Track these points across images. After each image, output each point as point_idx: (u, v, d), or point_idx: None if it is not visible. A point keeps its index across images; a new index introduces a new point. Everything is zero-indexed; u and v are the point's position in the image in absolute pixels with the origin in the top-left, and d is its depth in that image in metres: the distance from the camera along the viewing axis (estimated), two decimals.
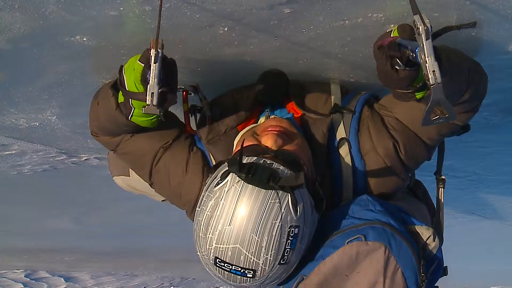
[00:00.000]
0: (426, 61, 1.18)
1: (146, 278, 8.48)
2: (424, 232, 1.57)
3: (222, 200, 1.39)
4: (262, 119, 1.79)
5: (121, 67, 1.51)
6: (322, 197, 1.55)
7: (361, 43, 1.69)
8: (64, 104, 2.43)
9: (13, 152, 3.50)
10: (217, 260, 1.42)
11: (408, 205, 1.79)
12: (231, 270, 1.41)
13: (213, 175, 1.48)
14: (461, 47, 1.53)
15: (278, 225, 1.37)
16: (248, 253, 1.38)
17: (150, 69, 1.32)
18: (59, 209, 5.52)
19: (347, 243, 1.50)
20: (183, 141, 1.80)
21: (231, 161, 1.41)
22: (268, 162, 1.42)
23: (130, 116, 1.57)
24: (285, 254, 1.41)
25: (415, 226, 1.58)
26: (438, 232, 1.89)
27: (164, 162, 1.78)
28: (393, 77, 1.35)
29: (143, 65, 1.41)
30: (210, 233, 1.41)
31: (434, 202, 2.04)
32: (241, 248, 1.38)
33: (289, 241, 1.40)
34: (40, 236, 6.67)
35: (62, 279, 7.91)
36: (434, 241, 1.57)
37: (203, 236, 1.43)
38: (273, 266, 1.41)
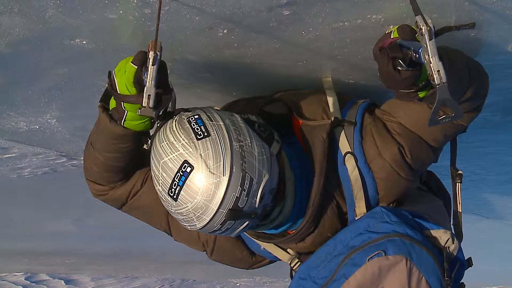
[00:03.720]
0: (431, 61, 1.19)
1: (147, 280, 8.47)
2: (442, 235, 1.58)
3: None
4: None
5: (110, 72, 1.50)
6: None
7: (361, 45, 1.69)
8: (64, 107, 2.43)
9: (13, 155, 3.50)
10: (169, 192, 1.43)
11: (423, 205, 1.79)
12: (178, 184, 1.41)
13: None
14: (461, 48, 1.54)
15: (174, 123, 1.46)
16: (169, 156, 1.41)
17: (148, 71, 1.33)
18: (59, 212, 5.51)
19: (368, 260, 1.51)
20: None
21: None
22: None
23: (123, 120, 1.54)
24: (197, 131, 1.41)
25: (432, 231, 1.59)
26: (456, 229, 1.88)
27: None
28: (396, 78, 1.35)
29: (136, 67, 1.40)
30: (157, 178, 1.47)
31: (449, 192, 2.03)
32: (164, 159, 1.42)
33: (193, 122, 1.44)
34: (40, 239, 6.66)
35: (62, 281, 7.89)
36: (453, 243, 1.57)
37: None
38: (195, 145, 1.39)
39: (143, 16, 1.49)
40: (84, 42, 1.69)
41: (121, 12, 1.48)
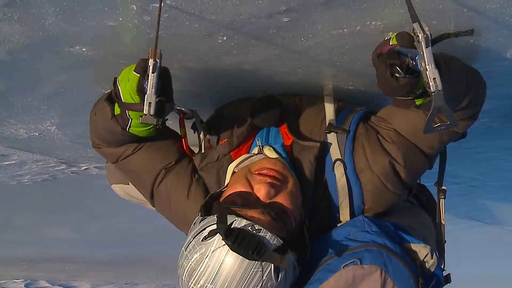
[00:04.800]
0: (427, 68, 1.18)
1: (147, 287, 8.46)
2: (422, 250, 1.58)
3: (207, 258, 1.40)
4: (255, 149, 1.74)
5: (115, 79, 1.51)
6: (307, 242, 1.54)
7: (360, 51, 1.69)
8: (64, 114, 2.43)
9: (13, 162, 3.50)
10: None
11: (408, 219, 1.79)
12: None
13: (201, 225, 1.47)
14: (460, 54, 1.53)
15: None
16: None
17: (148, 79, 1.32)
18: (59, 219, 5.52)
19: (343, 267, 1.50)
20: (186, 165, 1.78)
21: (220, 220, 1.42)
22: (256, 228, 1.41)
23: (128, 127, 1.56)
24: None
25: (412, 245, 1.59)
26: (438, 245, 1.87)
27: (165, 185, 1.77)
28: (393, 85, 1.35)
29: (138, 75, 1.40)
30: (192, 284, 1.42)
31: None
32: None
33: None
34: (40, 246, 6.66)
35: None
36: (432, 258, 1.57)
37: (185, 282, 1.44)
38: None
39: (142, 23, 1.50)
40: (84, 49, 1.69)
41: (120, 19, 1.48)
